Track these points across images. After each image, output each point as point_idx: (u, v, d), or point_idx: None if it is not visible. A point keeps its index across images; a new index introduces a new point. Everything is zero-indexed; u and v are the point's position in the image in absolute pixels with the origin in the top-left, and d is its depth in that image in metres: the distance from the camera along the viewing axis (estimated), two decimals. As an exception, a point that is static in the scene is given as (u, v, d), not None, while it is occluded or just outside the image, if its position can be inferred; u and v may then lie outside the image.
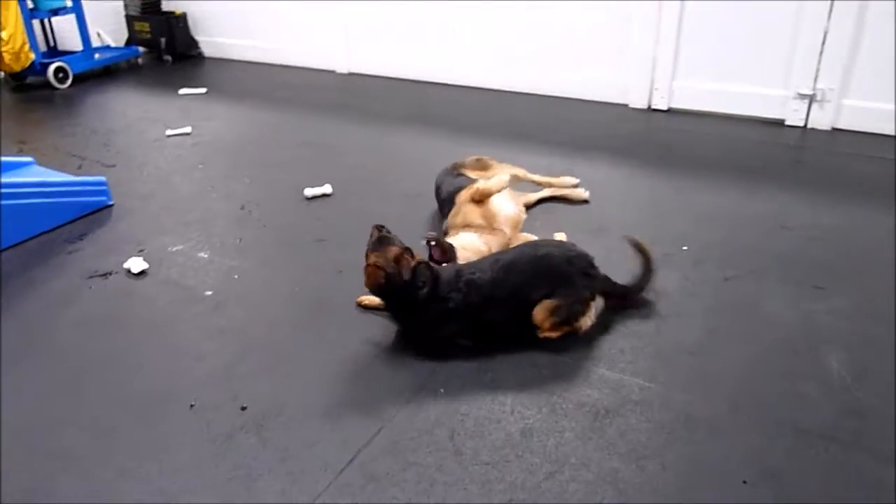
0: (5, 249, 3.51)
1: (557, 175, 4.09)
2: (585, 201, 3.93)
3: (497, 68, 6.16)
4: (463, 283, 2.60)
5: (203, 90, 6.35)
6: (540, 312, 2.60)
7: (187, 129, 5.25)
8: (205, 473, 2.14)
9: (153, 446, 2.25)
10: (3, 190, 3.51)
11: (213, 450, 2.22)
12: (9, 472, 2.15)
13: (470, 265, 2.74)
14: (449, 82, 6.40)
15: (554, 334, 2.67)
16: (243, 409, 2.39)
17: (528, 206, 3.79)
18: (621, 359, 2.61)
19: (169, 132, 5.22)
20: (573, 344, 2.68)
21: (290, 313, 2.96)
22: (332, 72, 6.85)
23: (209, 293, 3.11)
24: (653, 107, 5.60)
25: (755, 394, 2.41)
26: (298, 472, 2.12)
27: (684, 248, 3.40)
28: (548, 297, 2.60)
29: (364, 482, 2.08)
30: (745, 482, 2.05)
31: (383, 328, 2.82)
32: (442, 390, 2.46)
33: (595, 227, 3.64)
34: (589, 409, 2.36)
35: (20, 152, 4.66)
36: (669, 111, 5.53)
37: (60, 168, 4.46)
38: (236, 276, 3.25)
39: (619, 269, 3.00)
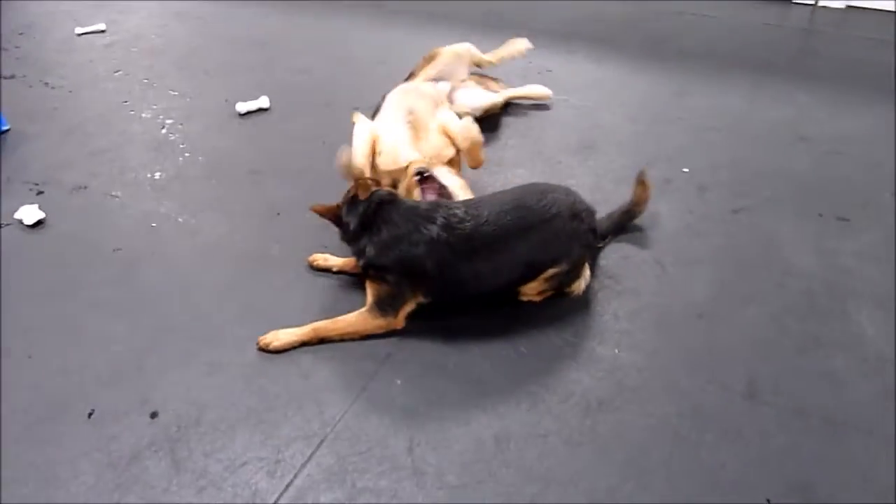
0: None
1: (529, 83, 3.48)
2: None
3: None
4: (440, 219, 2.06)
5: (122, -27, 5.41)
6: (536, 282, 2.17)
7: (101, 27, 4.45)
8: (101, 514, 1.71)
9: (39, 477, 1.80)
10: None
11: (114, 478, 1.78)
12: None
13: (458, 202, 2.24)
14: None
15: (538, 298, 2.22)
16: (153, 416, 1.94)
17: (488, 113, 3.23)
18: (615, 327, 2.17)
19: (80, 30, 4.42)
20: (557, 308, 2.23)
21: (215, 276, 2.45)
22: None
23: (118, 250, 2.57)
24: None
25: (774, 373, 2.00)
26: (219, 506, 1.71)
27: (685, 169, 2.89)
28: (551, 264, 2.13)
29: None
30: (768, 501, 1.67)
31: (332, 294, 2.33)
32: (399, 381, 2.02)
33: (580, 143, 3.09)
34: (577, 402, 1.93)
35: None
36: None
37: (-54, 81, 3.74)
38: (153, 225, 2.70)
39: (612, 198, 2.53)
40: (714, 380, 1.99)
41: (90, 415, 1.95)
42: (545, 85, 3.52)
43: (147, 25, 4.52)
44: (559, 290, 2.22)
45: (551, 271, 2.14)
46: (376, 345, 2.12)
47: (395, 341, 2.13)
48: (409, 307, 2.13)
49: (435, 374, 2.03)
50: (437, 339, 2.14)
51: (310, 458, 1.80)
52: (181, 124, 3.37)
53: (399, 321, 2.12)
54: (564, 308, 2.23)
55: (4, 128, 3.36)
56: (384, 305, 2.11)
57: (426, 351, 2.10)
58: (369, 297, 2.14)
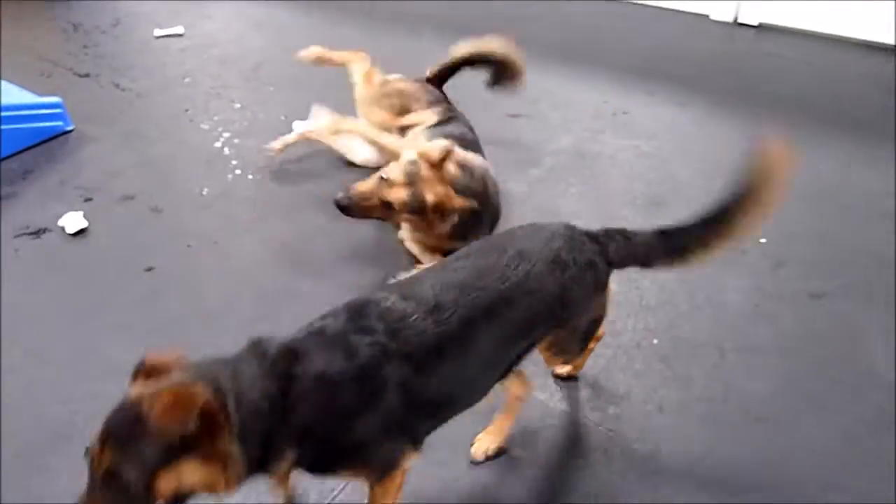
0: (-65, 187, 2.96)
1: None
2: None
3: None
4: (378, 325, 1.37)
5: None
6: (546, 354, 1.72)
7: (179, 30, 4.49)
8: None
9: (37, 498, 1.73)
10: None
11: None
12: None
13: (390, 290, 1.49)
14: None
15: (575, 371, 2.00)
16: (149, 461, 1.83)
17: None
18: (659, 422, 1.93)
19: (158, 33, 4.47)
20: (594, 387, 2.01)
21: (242, 308, 2.35)
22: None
23: (151, 269, 2.51)
24: (740, 20, 4.53)
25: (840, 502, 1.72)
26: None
27: (762, 240, 2.60)
28: (552, 331, 1.61)
29: None
30: None
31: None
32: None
33: (648, 197, 2.85)
34: (603, 509, 1.71)
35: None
36: (760, 27, 4.46)
37: (27, 77, 3.82)
38: (189, 245, 2.63)
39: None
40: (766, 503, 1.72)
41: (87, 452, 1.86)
42: (619, 128, 3.30)
43: (224, 31, 4.52)
44: (583, 347, 1.83)
45: (556, 337, 1.64)
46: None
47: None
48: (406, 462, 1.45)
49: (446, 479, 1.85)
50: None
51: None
52: (237, 139, 3.31)
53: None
54: (601, 387, 2.01)
55: (69, 128, 3.39)
56: (380, 476, 1.45)
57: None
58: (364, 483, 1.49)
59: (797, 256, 2.52)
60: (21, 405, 2.00)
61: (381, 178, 2.29)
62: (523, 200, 2.84)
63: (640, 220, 2.71)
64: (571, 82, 3.81)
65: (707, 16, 4.62)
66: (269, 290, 2.41)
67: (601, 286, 1.65)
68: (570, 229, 1.66)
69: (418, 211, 2.27)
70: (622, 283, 2.37)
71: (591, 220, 2.67)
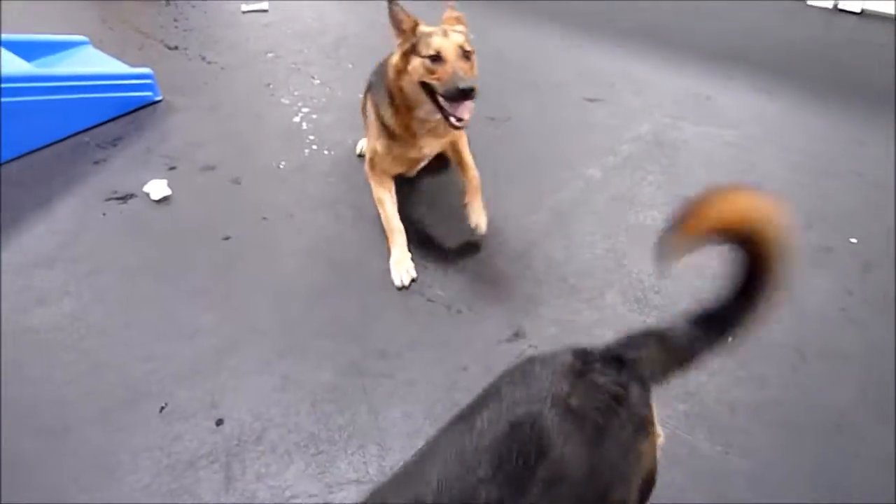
0: (35, 151, 3.13)
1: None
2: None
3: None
4: None
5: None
6: None
7: (265, 5, 4.58)
8: (150, 515, 1.69)
9: (101, 464, 1.82)
10: (33, 84, 3.07)
11: (168, 482, 1.76)
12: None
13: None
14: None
15: None
16: (219, 423, 1.90)
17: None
18: (730, 422, 1.85)
19: (245, 7, 4.57)
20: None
21: (312, 280, 2.39)
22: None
23: (228, 238, 2.59)
24: (840, 6, 4.28)
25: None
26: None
27: (852, 239, 2.46)
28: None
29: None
30: None
31: (423, 322, 2.20)
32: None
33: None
34: (666, 507, 1.67)
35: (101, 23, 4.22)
36: (862, 14, 4.20)
37: (121, 48, 3.98)
38: (265, 218, 2.70)
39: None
40: (842, 514, 1.64)
41: (162, 409, 1.95)
42: (701, 115, 3.18)
43: (306, 8, 4.58)
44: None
45: None
46: (453, 388, 1.96)
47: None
48: None
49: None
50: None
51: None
52: (315, 115, 3.36)
53: None
54: (670, 383, 1.95)
55: (157, 98, 3.52)
56: None
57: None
58: None
59: (891, 259, 2.37)
60: (104, 362, 2.10)
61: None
62: (599, 188, 2.77)
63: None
64: (653, 65, 3.69)
65: (804, 1, 4.38)
66: (339, 263, 2.45)
67: (641, 427, 1.17)
68: (579, 356, 1.19)
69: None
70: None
71: (669, 210, 2.59)
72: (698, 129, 3.12)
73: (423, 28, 2.31)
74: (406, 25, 2.32)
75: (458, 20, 2.42)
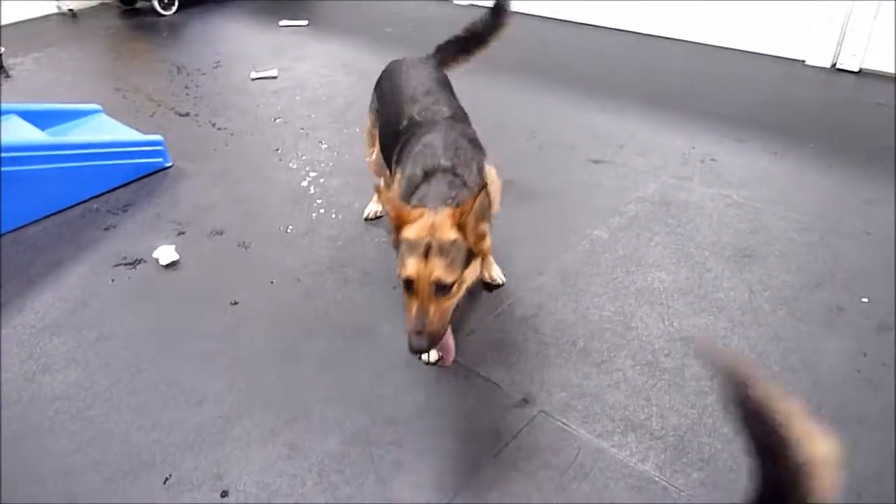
0: (50, 216, 3.17)
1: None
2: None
3: (637, 5, 5.08)
4: None
5: (304, 23, 5.76)
6: None
7: (273, 73, 4.71)
8: None
9: (103, 540, 1.77)
10: (45, 153, 3.14)
11: (170, 559, 1.71)
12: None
13: None
14: (579, 21, 5.42)
15: None
16: (223, 495, 1.86)
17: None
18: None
19: (254, 75, 4.70)
20: (678, 443, 1.90)
21: (320, 345, 2.37)
22: (450, 1, 6.03)
23: (235, 304, 2.58)
24: (839, 65, 4.37)
25: None
26: None
27: (864, 299, 2.44)
28: None
29: None
30: None
31: (435, 387, 2.17)
32: (480, 509, 1.79)
33: (737, 249, 2.72)
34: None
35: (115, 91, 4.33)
36: (860, 73, 4.28)
37: (133, 115, 4.10)
38: (272, 282, 2.70)
39: (767, 322, 2.16)
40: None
41: (166, 480, 1.91)
42: (708, 176, 3.21)
43: (314, 75, 4.70)
44: None
45: None
46: (462, 457, 1.92)
47: (492, 457, 1.91)
48: None
49: (522, 508, 1.78)
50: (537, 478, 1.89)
51: (366, 584, 1.62)
52: (322, 179, 3.40)
53: None
54: (684, 449, 1.90)
55: (167, 164, 3.58)
56: None
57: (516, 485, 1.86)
58: None
59: (905, 319, 2.34)
60: (109, 431, 2.07)
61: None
62: (605, 249, 2.77)
63: (729, 272, 2.59)
64: (658, 127, 3.74)
65: (802, 61, 4.47)
66: (347, 328, 2.43)
67: None
68: None
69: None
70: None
71: (676, 271, 2.59)
72: (705, 189, 3.14)
73: (408, 233, 1.83)
74: (392, 223, 1.90)
75: (458, 226, 1.83)
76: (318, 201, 3.21)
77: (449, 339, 1.93)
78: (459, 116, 2.37)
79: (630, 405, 2.06)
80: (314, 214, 3.11)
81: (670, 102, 4.02)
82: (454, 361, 2.03)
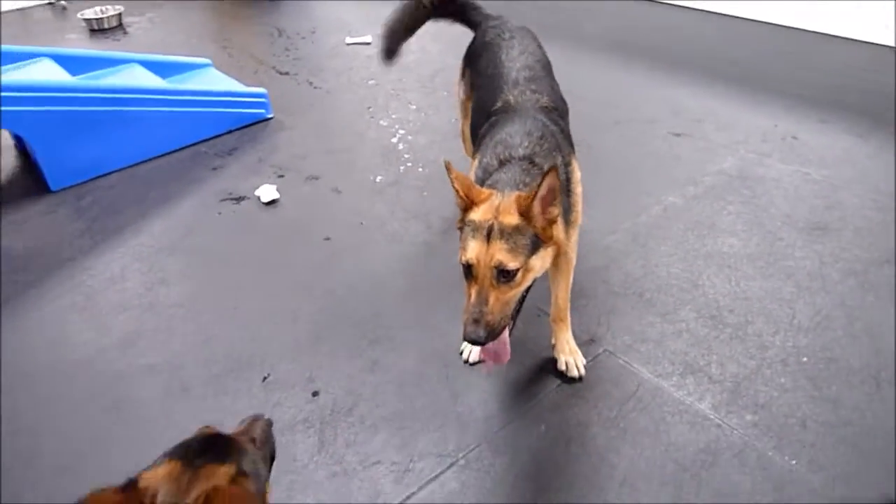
0: (161, 157, 3.50)
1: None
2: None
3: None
4: None
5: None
6: None
7: (368, 39, 4.95)
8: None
9: (212, 419, 2.03)
10: (165, 97, 3.46)
11: (267, 441, 1.96)
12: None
13: None
14: (662, 0, 5.42)
15: None
16: (315, 395, 2.10)
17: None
18: (800, 436, 1.90)
19: (349, 40, 4.95)
20: (734, 389, 2.01)
21: (403, 281, 2.58)
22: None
23: (328, 239, 2.83)
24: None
25: None
26: (344, 493, 1.79)
27: (936, 276, 2.46)
28: None
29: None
30: None
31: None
32: (543, 427, 1.96)
33: (810, 221, 2.77)
34: (730, 505, 1.73)
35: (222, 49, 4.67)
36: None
37: (238, 71, 4.40)
38: (361, 223, 2.93)
39: (836, 290, 2.23)
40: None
41: (265, 379, 2.16)
42: (788, 153, 3.24)
43: (407, 42, 4.89)
44: None
45: None
46: (534, 382, 2.09)
47: (555, 385, 2.08)
48: None
49: (577, 438, 1.94)
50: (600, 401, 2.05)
51: (437, 476, 1.82)
52: (410, 136, 3.61)
53: None
54: (741, 393, 2.01)
55: (269, 115, 3.87)
56: None
57: (579, 408, 2.02)
58: None
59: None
60: (215, 336, 2.35)
61: None
62: (678, 215, 2.86)
63: (801, 242, 2.65)
64: (739, 105, 3.77)
65: (889, 46, 4.37)
66: (428, 267, 2.63)
67: None
68: None
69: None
70: (773, 299, 2.35)
71: (747, 238, 2.67)
72: (783, 166, 3.18)
73: (473, 215, 1.71)
74: (460, 204, 1.78)
75: (523, 211, 1.66)
76: (406, 156, 3.42)
77: (505, 336, 1.70)
78: (558, 108, 2.21)
79: (691, 352, 2.18)
80: (402, 167, 3.32)
81: (754, 82, 4.02)
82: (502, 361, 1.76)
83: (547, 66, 2.39)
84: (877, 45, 4.46)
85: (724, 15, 5.14)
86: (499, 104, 2.13)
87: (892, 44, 4.39)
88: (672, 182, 3.09)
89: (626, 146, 3.43)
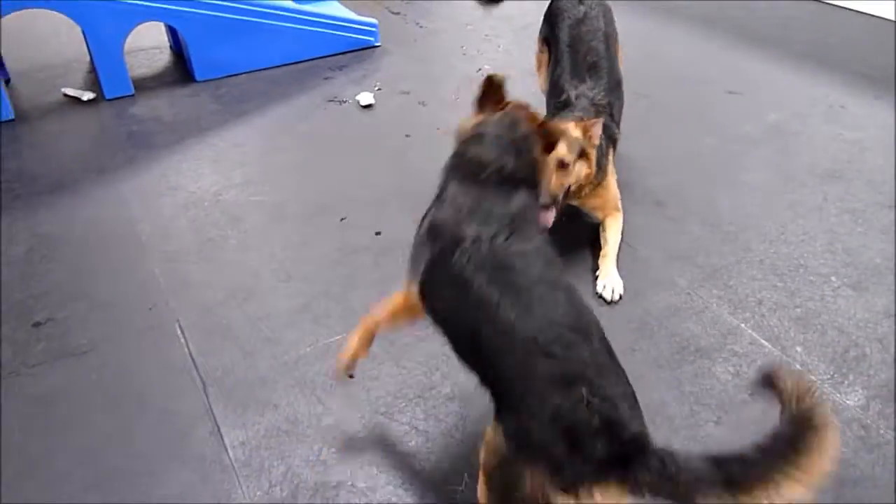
0: (283, 66, 4.21)
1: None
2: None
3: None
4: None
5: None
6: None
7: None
8: (322, 272, 2.53)
9: (300, 240, 2.70)
10: (296, 16, 4.16)
11: (337, 256, 2.60)
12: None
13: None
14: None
15: None
16: (377, 234, 2.71)
17: None
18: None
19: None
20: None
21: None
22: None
23: (409, 135, 3.43)
24: None
25: None
26: (386, 294, 2.39)
27: (927, 221, 2.77)
28: None
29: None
30: None
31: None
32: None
33: (828, 171, 3.10)
34: None
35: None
36: None
37: (358, 7, 5.03)
38: (438, 128, 3.51)
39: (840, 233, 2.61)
40: None
41: (342, 220, 2.80)
42: (830, 118, 3.54)
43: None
44: None
45: None
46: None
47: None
48: None
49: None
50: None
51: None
52: (494, 70, 4.13)
53: None
54: (717, 275, 2.45)
55: (377, 44, 4.51)
56: None
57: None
58: None
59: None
60: (309, 188, 3.01)
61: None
62: (711, 151, 3.27)
63: (812, 184, 3.00)
64: (799, 76, 4.04)
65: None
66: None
67: None
68: None
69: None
70: None
71: (765, 177, 3.05)
72: (822, 126, 3.48)
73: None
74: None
75: (585, 128, 2.40)
76: (486, 84, 3.96)
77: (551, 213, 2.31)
78: (611, 104, 2.75)
79: (685, 246, 2.64)
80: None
81: (818, 58, 4.25)
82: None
83: (611, 42, 2.90)
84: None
85: None
86: (563, 97, 2.74)
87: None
88: (715, 126, 3.49)
89: (680, 98, 3.83)
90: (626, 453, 1.24)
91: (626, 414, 1.28)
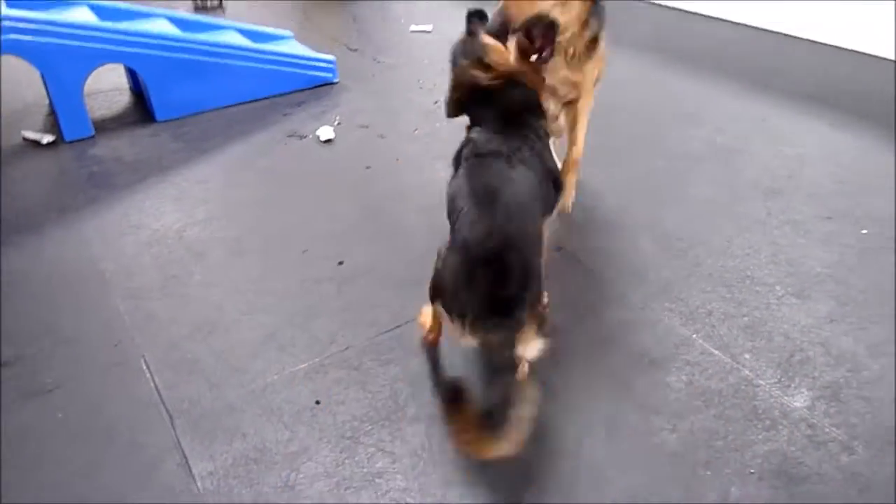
0: (243, 104, 4.28)
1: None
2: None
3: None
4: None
5: None
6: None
7: (429, 28, 5.65)
8: (286, 303, 2.57)
9: (263, 273, 2.74)
10: (254, 55, 4.25)
11: (300, 287, 2.65)
12: (166, 262, 2.81)
13: None
14: (688, 9, 5.91)
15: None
16: (340, 263, 2.77)
17: None
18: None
19: (413, 28, 5.67)
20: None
21: (425, 203, 3.22)
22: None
23: (369, 167, 3.51)
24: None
25: None
26: (350, 321, 2.45)
27: (864, 231, 2.93)
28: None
29: (395, 345, 2.34)
30: None
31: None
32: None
33: (768, 188, 3.26)
34: None
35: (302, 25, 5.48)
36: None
37: (315, 44, 5.14)
38: (398, 160, 3.60)
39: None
40: None
41: (304, 252, 2.85)
42: (769, 137, 3.73)
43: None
44: None
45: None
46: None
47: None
48: None
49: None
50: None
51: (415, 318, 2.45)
52: (450, 102, 4.26)
53: None
54: (668, 289, 2.56)
55: (335, 80, 4.61)
56: None
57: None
58: None
59: None
60: (269, 222, 3.06)
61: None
62: (660, 171, 3.41)
63: (754, 198, 3.16)
64: (735, 97, 4.26)
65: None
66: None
67: None
68: None
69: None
70: None
71: (710, 190, 3.19)
72: (764, 145, 3.66)
73: None
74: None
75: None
76: (442, 116, 4.07)
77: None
78: None
79: (636, 262, 2.75)
80: (438, 124, 3.99)
81: (752, 79, 4.48)
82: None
83: None
84: (879, 57, 4.83)
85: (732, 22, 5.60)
86: None
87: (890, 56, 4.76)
88: (662, 147, 3.64)
89: (633, 124, 3.99)
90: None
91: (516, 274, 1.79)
